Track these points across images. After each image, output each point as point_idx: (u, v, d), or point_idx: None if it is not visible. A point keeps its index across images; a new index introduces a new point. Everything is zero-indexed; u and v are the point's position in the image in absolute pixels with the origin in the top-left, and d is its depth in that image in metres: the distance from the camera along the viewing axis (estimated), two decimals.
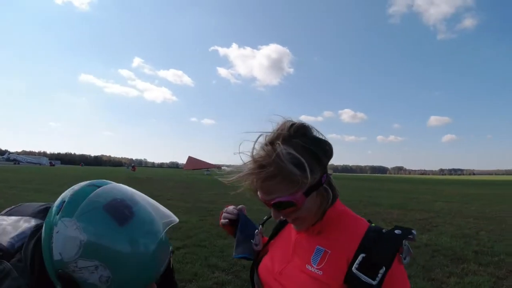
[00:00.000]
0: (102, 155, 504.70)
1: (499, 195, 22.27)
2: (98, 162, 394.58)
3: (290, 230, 1.03)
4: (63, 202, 0.75)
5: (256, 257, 1.10)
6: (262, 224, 1.17)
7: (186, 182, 27.68)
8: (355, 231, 0.87)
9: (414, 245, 5.84)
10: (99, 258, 0.69)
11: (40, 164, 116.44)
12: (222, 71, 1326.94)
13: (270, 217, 1.06)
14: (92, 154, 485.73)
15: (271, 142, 0.83)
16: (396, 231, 0.83)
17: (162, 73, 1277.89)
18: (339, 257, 0.85)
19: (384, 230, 0.85)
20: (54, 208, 0.75)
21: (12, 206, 0.97)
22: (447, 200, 17.47)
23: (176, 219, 0.84)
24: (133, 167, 70.00)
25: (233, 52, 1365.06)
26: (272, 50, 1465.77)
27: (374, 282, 0.75)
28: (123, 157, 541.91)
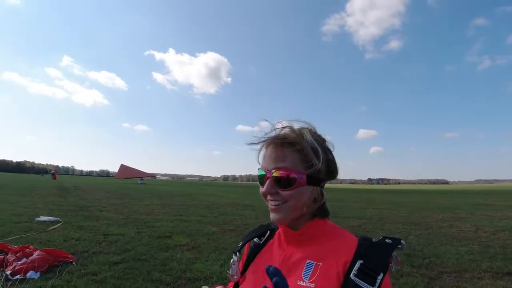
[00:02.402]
0: (25, 161, 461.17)
1: (423, 202, 24.33)
2: (21, 169, 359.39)
3: (272, 252, 0.99)
4: None
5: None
6: (239, 252, 1.07)
7: (119, 192, 26.18)
8: (347, 241, 0.87)
9: None
10: None
11: None
12: (158, 76, 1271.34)
13: (246, 243, 1.08)
14: (14, 160, 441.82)
15: (299, 130, 0.90)
16: (387, 240, 0.83)
17: (93, 74, 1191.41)
18: (331, 267, 0.82)
19: (374, 239, 0.85)
20: None
21: None
22: (377, 207, 18.61)
23: None
24: (53, 174, 61.48)
25: (170, 57, 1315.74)
26: (210, 58, 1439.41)
27: None
28: (49, 163, 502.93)
